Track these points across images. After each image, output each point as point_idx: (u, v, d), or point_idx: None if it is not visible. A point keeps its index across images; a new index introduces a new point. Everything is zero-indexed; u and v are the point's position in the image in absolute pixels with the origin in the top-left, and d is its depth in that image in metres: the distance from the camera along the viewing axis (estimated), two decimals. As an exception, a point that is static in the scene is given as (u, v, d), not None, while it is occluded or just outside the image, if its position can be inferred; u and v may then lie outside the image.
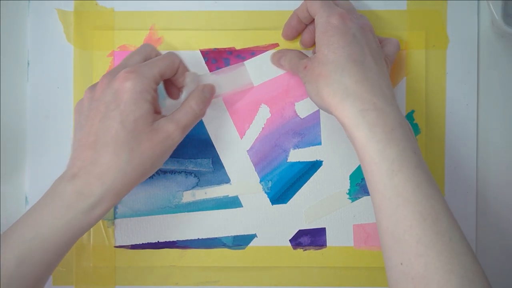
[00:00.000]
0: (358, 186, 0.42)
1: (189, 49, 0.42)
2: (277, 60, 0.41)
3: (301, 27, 0.41)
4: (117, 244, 0.42)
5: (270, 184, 0.42)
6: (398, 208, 0.32)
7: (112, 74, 0.35)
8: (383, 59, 0.37)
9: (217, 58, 0.42)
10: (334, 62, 0.35)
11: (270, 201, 0.42)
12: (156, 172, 0.42)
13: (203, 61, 0.42)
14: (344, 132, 0.35)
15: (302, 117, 0.42)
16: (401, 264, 0.31)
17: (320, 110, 0.42)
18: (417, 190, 0.32)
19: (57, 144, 0.42)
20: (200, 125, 0.42)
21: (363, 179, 0.42)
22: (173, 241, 0.42)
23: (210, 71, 0.42)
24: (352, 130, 0.33)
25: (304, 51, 0.42)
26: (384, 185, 0.32)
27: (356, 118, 0.33)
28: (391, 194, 0.32)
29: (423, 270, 0.30)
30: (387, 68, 0.37)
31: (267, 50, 0.42)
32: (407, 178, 0.32)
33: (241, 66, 0.41)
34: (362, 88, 0.34)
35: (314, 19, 0.38)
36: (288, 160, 0.42)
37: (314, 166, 0.42)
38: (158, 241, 0.42)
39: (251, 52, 0.42)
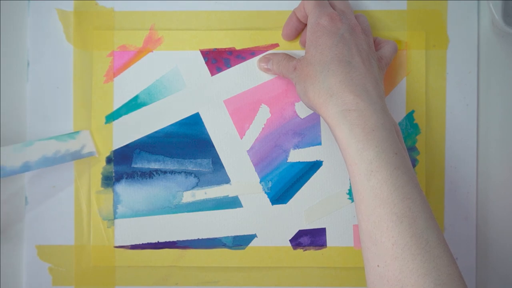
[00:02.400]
0: (358, 186, 0.42)
1: (189, 49, 0.42)
2: (264, 64, 0.41)
3: (301, 27, 0.41)
4: (117, 244, 0.42)
5: (270, 184, 0.42)
6: (375, 210, 0.32)
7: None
8: (374, 60, 0.37)
9: (217, 58, 0.42)
10: (320, 62, 0.35)
11: (270, 201, 0.42)
12: (156, 172, 0.42)
13: (203, 61, 0.42)
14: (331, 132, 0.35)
15: (302, 117, 0.42)
16: (378, 266, 0.31)
17: (320, 110, 0.42)
18: (395, 192, 0.32)
19: (57, 144, 0.42)
20: (200, 125, 0.42)
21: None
22: (173, 241, 0.42)
23: (210, 71, 0.42)
24: (335, 130, 0.34)
25: (300, 51, 0.42)
26: (363, 186, 0.32)
27: (338, 118, 0.33)
28: (369, 195, 0.32)
29: (398, 273, 0.30)
30: (381, 69, 0.38)
31: (267, 50, 0.42)
32: (384, 179, 0.32)
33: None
34: (345, 88, 0.34)
35: None
36: (288, 160, 0.42)
37: (314, 166, 0.42)
38: (158, 241, 0.42)
39: (251, 52, 0.42)
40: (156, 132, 0.42)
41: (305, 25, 0.40)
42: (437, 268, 0.30)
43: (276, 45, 0.42)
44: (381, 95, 0.36)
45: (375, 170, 0.32)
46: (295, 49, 0.42)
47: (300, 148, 0.42)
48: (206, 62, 0.42)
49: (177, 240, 0.42)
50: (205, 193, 0.42)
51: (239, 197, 0.42)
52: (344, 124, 0.33)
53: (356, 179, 0.33)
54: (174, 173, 0.42)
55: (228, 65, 0.42)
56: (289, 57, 0.40)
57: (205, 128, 0.42)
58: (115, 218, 0.42)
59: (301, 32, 0.41)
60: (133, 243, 0.42)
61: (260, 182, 0.42)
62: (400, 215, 0.31)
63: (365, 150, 0.32)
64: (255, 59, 0.42)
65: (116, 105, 0.42)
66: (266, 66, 0.41)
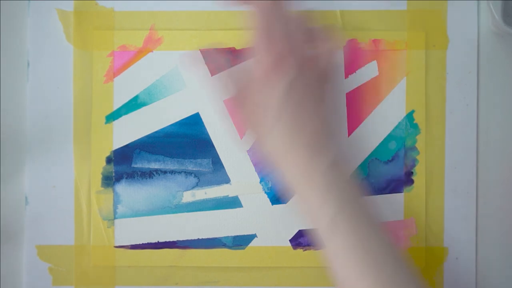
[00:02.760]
0: (358, 186, 0.42)
1: (189, 49, 0.42)
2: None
3: None
4: (117, 244, 0.42)
5: (270, 184, 0.42)
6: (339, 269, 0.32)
7: None
8: (322, 96, 0.34)
9: (217, 58, 0.42)
10: (265, 116, 0.33)
11: (270, 201, 0.42)
12: (156, 172, 0.42)
13: (203, 61, 0.42)
14: None
15: (302, 117, 0.42)
16: None
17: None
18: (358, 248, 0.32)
19: (57, 144, 0.42)
20: (200, 125, 0.42)
21: (363, 179, 0.42)
22: (173, 241, 0.42)
23: (210, 71, 0.42)
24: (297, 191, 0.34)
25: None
26: (324, 241, 0.33)
27: (299, 180, 0.33)
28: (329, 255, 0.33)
29: None
30: (325, 97, 0.35)
31: (267, 50, 0.42)
32: (344, 240, 0.32)
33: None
34: (287, 139, 0.33)
35: None
36: (288, 160, 0.42)
37: (314, 166, 0.42)
38: (158, 241, 0.42)
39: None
40: (156, 132, 0.42)
41: None
42: None
43: (276, 45, 0.42)
44: (328, 131, 0.34)
45: (338, 227, 0.32)
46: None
47: (300, 148, 0.42)
48: (206, 62, 0.42)
49: (177, 240, 0.42)
50: (205, 193, 0.42)
51: (239, 197, 0.42)
52: (299, 186, 0.33)
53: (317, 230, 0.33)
54: (174, 173, 0.42)
55: (228, 65, 0.42)
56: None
57: (205, 128, 0.42)
58: (115, 218, 0.42)
59: None
60: (133, 243, 0.42)
61: (260, 182, 0.42)
62: (365, 272, 0.31)
63: (320, 216, 0.32)
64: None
65: (116, 105, 0.42)
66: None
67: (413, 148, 0.42)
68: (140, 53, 0.42)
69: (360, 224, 0.32)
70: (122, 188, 0.42)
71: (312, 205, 0.33)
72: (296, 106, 0.33)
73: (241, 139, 0.42)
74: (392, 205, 0.42)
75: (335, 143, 0.34)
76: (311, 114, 0.33)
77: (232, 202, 0.42)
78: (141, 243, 0.42)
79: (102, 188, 0.42)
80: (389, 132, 0.42)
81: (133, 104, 0.42)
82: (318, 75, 0.35)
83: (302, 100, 0.33)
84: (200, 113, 0.42)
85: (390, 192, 0.42)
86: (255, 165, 0.42)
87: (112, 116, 0.42)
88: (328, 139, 0.34)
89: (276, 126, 0.33)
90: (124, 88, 0.42)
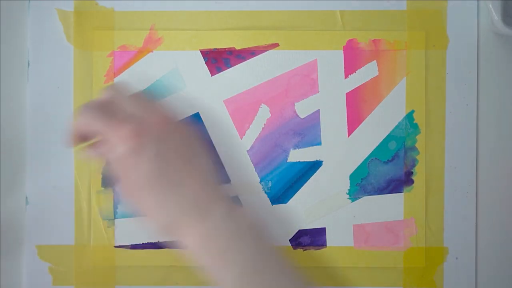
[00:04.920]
0: (358, 186, 0.42)
1: (189, 49, 0.42)
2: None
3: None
4: (117, 244, 0.42)
5: (270, 184, 0.42)
6: None
7: None
8: (190, 156, 0.33)
9: (217, 58, 0.42)
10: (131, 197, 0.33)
11: (270, 201, 0.42)
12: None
13: (203, 61, 0.42)
14: None
15: (302, 117, 0.42)
16: None
17: (320, 110, 0.42)
18: None
19: (57, 144, 0.42)
20: (200, 125, 0.42)
21: (363, 179, 0.42)
22: (173, 241, 0.42)
23: (210, 71, 0.42)
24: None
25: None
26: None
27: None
28: None
29: None
30: (195, 154, 0.34)
31: (267, 50, 0.42)
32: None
33: None
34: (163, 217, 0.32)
35: None
36: (288, 160, 0.42)
37: (314, 166, 0.42)
38: (158, 241, 0.42)
39: (251, 52, 0.42)
40: (156, 132, 0.42)
41: None
42: None
43: (276, 44, 0.42)
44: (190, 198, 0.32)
45: None
46: (295, 49, 0.42)
47: (300, 148, 0.42)
48: (206, 62, 0.42)
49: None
50: (205, 193, 0.42)
51: (239, 197, 0.42)
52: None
53: None
54: (174, 173, 0.42)
55: (228, 65, 0.42)
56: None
57: (205, 128, 0.42)
58: (115, 218, 0.42)
59: None
60: (133, 243, 0.42)
61: (260, 182, 0.42)
62: None
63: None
64: (255, 59, 0.42)
65: (116, 105, 0.42)
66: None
67: (413, 148, 0.42)
68: (140, 53, 0.42)
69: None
70: (122, 188, 0.42)
71: (212, 272, 0.32)
72: (164, 177, 0.32)
73: (241, 139, 0.42)
74: (392, 205, 0.42)
75: (219, 197, 0.33)
76: (186, 179, 0.32)
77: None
78: (141, 243, 0.42)
79: (103, 188, 0.42)
80: (389, 132, 0.42)
81: (133, 104, 0.42)
82: (177, 139, 0.33)
83: (169, 169, 0.32)
84: (200, 113, 0.42)
85: (390, 192, 0.42)
86: (255, 165, 0.42)
87: (112, 116, 0.42)
88: (211, 198, 0.33)
89: (152, 200, 0.32)
90: (124, 88, 0.42)
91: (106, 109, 0.33)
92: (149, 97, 0.35)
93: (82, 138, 0.34)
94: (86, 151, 0.35)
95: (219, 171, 0.35)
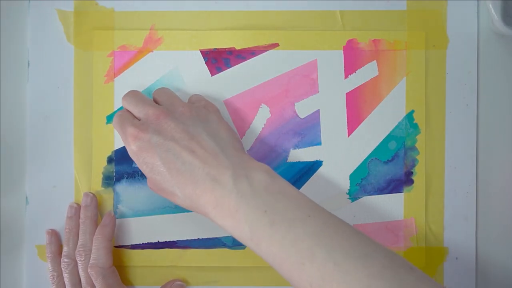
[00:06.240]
0: (358, 186, 0.42)
1: (189, 49, 0.42)
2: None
3: None
4: (117, 244, 0.42)
5: (270, 184, 0.42)
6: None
7: None
8: (201, 125, 0.37)
9: (217, 58, 0.42)
10: (157, 180, 0.36)
11: (270, 201, 0.42)
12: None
13: (203, 61, 0.42)
14: None
15: (302, 117, 0.42)
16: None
17: (320, 110, 0.42)
18: (281, 250, 0.32)
19: (57, 144, 0.42)
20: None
21: (363, 179, 0.42)
22: (173, 241, 0.42)
23: (210, 71, 0.42)
24: (215, 221, 0.34)
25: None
26: (260, 254, 0.33)
27: (208, 215, 0.34)
28: (267, 260, 0.33)
29: None
30: (211, 115, 0.38)
31: (267, 50, 0.42)
32: (269, 244, 0.32)
33: None
34: (191, 191, 0.34)
35: None
36: (288, 160, 0.42)
37: (314, 166, 0.42)
38: (158, 241, 0.42)
39: (251, 52, 0.42)
40: (156, 132, 0.42)
41: None
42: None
43: (276, 44, 0.42)
44: (230, 153, 0.36)
45: (256, 244, 0.33)
46: (295, 49, 0.42)
47: (300, 148, 0.42)
48: (206, 62, 0.42)
49: (177, 240, 0.42)
50: (205, 193, 0.42)
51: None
52: (215, 219, 0.34)
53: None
54: (174, 173, 0.42)
55: (228, 65, 0.42)
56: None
57: (205, 128, 0.42)
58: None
59: None
60: (133, 243, 0.42)
61: (260, 182, 0.42)
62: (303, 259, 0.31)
63: (237, 230, 0.33)
64: (255, 59, 0.42)
65: (117, 105, 0.42)
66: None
67: (413, 148, 0.42)
68: (140, 53, 0.42)
69: (283, 222, 0.32)
70: (123, 188, 0.42)
71: (228, 229, 0.34)
72: (172, 161, 0.35)
73: (241, 139, 0.42)
74: (392, 205, 0.42)
75: (230, 157, 0.35)
76: (191, 162, 0.35)
77: (232, 202, 0.42)
78: (141, 243, 0.42)
79: (103, 188, 0.42)
80: (389, 132, 0.42)
81: (133, 104, 0.42)
82: (183, 127, 0.36)
83: (176, 154, 0.35)
84: (200, 113, 0.42)
85: (390, 192, 0.42)
86: (255, 165, 0.42)
87: (113, 116, 0.42)
88: (219, 159, 0.35)
89: (173, 186, 0.35)
90: (125, 88, 0.42)
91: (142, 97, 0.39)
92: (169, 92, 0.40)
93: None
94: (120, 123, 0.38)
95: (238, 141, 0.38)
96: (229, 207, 0.33)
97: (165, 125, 0.36)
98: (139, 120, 0.38)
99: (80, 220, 0.41)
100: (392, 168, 0.42)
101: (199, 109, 0.38)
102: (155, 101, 0.39)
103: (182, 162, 0.35)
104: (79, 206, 0.42)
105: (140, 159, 0.36)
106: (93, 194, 0.42)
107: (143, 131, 0.36)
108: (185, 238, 0.42)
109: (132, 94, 0.39)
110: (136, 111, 0.38)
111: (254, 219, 0.32)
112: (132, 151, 0.36)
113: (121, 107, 0.42)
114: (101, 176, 0.42)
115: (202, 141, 0.36)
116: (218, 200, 0.33)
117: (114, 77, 0.42)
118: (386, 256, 0.31)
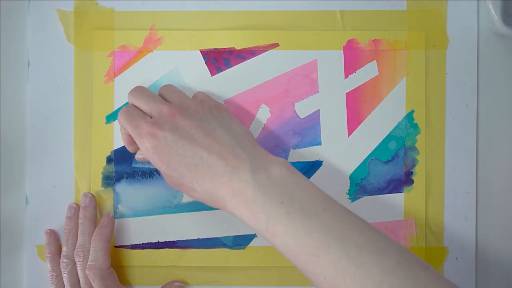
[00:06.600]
0: (358, 186, 0.42)
1: (189, 49, 0.42)
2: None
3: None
4: (117, 244, 0.42)
5: (270, 184, 0.42)
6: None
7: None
8: (214, 118, 0.37)
9: (217, 58, 0.42)
10: (181, 178, 0.36)
11: (270, 201, 0.42)
12: (157, 172, 0.42)
13: (203, 61, 0.42)
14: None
15: (302, 117, 0.42)
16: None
17: (320, 110, 0.42)
18: (296, 240, 0.32)
19: (57, 144, 0.42)
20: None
21: (363, 179, 0.42)
22: (173, 241, 0.42)
23: (210, 71, 0.42)
24: (233, 212, 0.35)
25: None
26: (275, 245, 0.33)
27: (226, 207, 0.35)
28: (282, 251, 0.33)
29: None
30: (219, 115, 0.38)
31: (267, 50, 0.42)
32: (285, 234, 0.32)
33: None
34: (210, 185, 0.35)
35: None
36: (288, 160, 0.42)
37: (314, 166, 0.42)
38: (158, 241, 0.42)
39: (251, 52, 0.42)
40: (156, 132, 0.42)
41: None
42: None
43: (276, 44, 0.42)
44: (247, 146, 0.36)
45: (271, 233, 0.33)
46: (295, 49, 0.42)
47: (300, 148, 0.42)
48: (206, 62, 0.42)
49: (177, 240, 0.42)
50: (205, 193, 0.42)
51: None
52: (233, 210, 0.34)
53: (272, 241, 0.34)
54: (174, 173, 0.42)
55: (228, 65, 0.42)
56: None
57: (205, 128, 0.42)
58: (115, 218, 0.42)
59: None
60: (133, 243, 0.42)
61: (260, 182, 0.42)
62: (316, 251, 0.32)
63: (252, 219, 0.33)
64: (255, 59, 0.42)
65: (117, 105, 0.42)
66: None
67: (413, 148, 0.42)
68: (140, 53, 0.42)
69: (300, 213, 0.32)
70: (123, 188, 0.42)
71: (244, 219, 0.34)
72: (189, 156, 0.35)
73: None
74: (392, 205, 0.42)
75: (247, 150, 0.36)
76: (207, 159, 0.35)
77: (232, 202, 0.42)
78: (141, 243, 0.42)
79: (103, 188, 0.42)
80: (389, 132, 0.42)
81: (133, 104, 0.42)
82: (196, 118, 0.37)
83: (192, 150, 0.35)
84: (200, 113, 0.42)
85: (390, 192, 0.42)
86: (255, 165, 0.42)
87: (113, 116, 0.42)
88: (236, 152, 0.35)
89: (192, 182, 0.35)
90: (125, 88, 0.42)
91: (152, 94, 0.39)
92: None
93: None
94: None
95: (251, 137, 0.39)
96: (246, 198, 0.33)
97: (180, 122, 0.36)
98: (150, 117, 0.37)
99: (79, 221, 0.41)
100: (392, 168, 0.42)
101: (211, 107, 0.39)
102: (163, 98, 0.39)
103: (200, 157, 0.35)
104: (78, 206, 0.42)
105: (156, 156, 0.36)
106: (92, 194, 0.42)
107: (159, 128, 0.36)
108: (185, 238, 0.42)
109: (141, 90, 0.39)
110: (146, 107, 0.37)
111: (271, 209, 0.33)
112: (147, 149, 0.36)
113: (124, 104, 0.42)
114: (101, 176, 0.42)
115: (217, 136, 0.36)
116: (235, 191, 0.34)
117: (114, 77, 0.42)
118: (401, 253, 0.31)
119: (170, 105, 0.37)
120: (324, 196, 0.34)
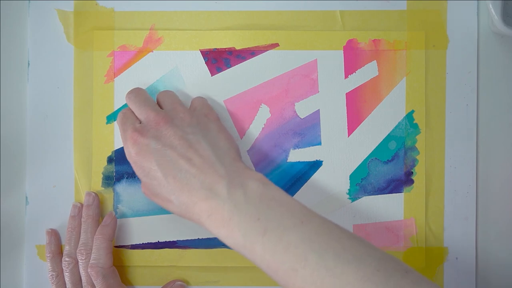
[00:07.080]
0: (358, 186, 0.42)
1: (189, 49, 0.42)
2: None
3: None
4: (117, 244, 0.42)
5: (270, 184, 0.42)
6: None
7: None
8: (200, 132, 0.37)
9: (217, 58, 0.42)
10: (153, 185, 0.36)
11: (270, 201, 0.42)
12: (156, 172, 0.42)
13: (203, 61, 0.42)
14: None
15: (302, 117, 0.42)
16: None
17: (320, 110, 0.42)
18: (273, 257, 0.32)
19: (57, 144, 0.42)
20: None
21: (363, 179, 0.42)
22: (173, 241, 0.42)
23: (210, 71, 0.42)
24: (210, 230, 0.35)
25: (304, 51, 0.42)
26: (254, 261, 0.34)
27: (203, 224, 0.35)
28: (261, 267, 0.33)
29: None
30: (211, 124, 0.38)
31: (267, 50, 0.42)
32: (262, 251, 0.32)
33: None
34: (187, 198, 0.35)
35: None
36: (288, 160, 0.42)
37: (314, 166, 0.42)
38: (158, 241, 0.42)
39: (251, 52, 0.42)
40: (156, 132, 0.42)
41: None
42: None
43: (276, 44, 0.42)
44: (227, 162, 0.36)
45: (249, 250, 0.33)
46: (295, 49, 0.42)
47: (300, 148, 0.42)
48: (206, 62, 0.42)
49: (177, 240, 0.42)
50: (205, 193, 0.42)
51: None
52: (209, 228, 0.34)
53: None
54: (174, 173, 0.42)
55: (228, 65, 0.42)
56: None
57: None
58: (115, 218, 0.42)
59: None
60: (133, 243, 0.42)
61: (260, 182, 0.42)
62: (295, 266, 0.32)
63: (229, 238, 0.34)
64: (255, 59, 0.42)
65: (117, 105, 0.42)
66: None
67: (413, 148, 0.42)
68: (140, 53, 0.42)
69: (276, 229, 0.32)
70: (123, 188, 0.42)
71: (221, 237, 0.34)
72: (172, 167, 0.35)
73: (241, 139, 0.42)
74: (392, 205, 0.42)
75: (227, 166, 0.35)
76: (183, 166, 0.35)
77: (232, 202, 0.42)
78: (141, 243, 0.42)
79: (103, 188, 0.42)
80: (389, 132, 0.42)
81: (133, 104, 0.42)
82: (188, 130, 0.37)
83: (175, 161, 0.35)
84: (200, 113, 0.42)
85: (390, 192, 0.42)
86: (255, 165, 0.42)
87: (113, 116, 0.42)
88: (215, 168, 0.35)
89: (173, 195, 0.35)
90: (125, 88, 0.42)
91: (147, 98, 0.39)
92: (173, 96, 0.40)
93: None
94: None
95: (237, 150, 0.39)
96: (223, 216, 0.33)
97: (164, 131, 0.36)
98: (140, 121, 0.38)
99: (82, 219, 0.41)
100: (392, 168, 0.42)
101: (200, 117, 0.38)
102: (158, 104, 0.39)
103: (179, 169, 0.35)
104: (82, 205, 0.42)
105: (137, 163, 0.36)
106: (95, 193, 0.42)
107: (142, 135, 0.36)
108: (185, 238, 0.42)
109: (137, 93, 0.39)
110: (138, 112, 0.38)
111: (247, 227, 0.33)
112: (129, 154, 0.37)
113: (124, 105, 0.42)
114: (101, 176, 0.42)
115: (200, 149, 0.36)
116: (212, 209, 0.34)
117: (114, 77, 0.42)
118: (380, 259, 0.31)
119: (157, 113, 0.37)
120: (301, 208, 0.34)
